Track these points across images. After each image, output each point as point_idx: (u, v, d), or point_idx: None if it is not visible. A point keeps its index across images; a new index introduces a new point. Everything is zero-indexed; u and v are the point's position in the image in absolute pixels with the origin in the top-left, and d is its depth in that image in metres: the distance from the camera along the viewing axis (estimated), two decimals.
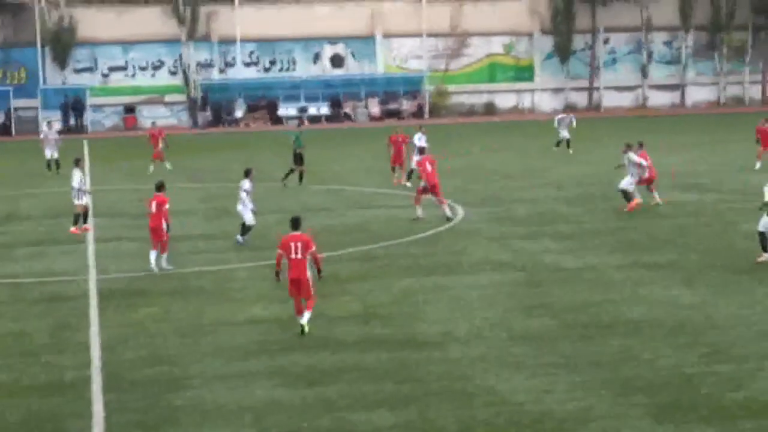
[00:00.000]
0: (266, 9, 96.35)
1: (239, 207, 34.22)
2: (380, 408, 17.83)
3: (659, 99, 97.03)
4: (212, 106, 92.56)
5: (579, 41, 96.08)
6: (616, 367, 19.68)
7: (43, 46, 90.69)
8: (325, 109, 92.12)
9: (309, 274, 23.04)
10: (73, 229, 36.85)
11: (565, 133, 59.55)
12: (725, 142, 62.16)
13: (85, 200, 38.80)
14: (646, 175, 37.76)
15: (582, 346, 21.18)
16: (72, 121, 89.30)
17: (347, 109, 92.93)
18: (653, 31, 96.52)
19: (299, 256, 22.93)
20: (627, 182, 37.42)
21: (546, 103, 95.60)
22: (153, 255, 29.55)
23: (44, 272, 30.23)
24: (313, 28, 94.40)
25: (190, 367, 20.56)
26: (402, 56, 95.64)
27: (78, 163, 39.55)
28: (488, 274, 28.20)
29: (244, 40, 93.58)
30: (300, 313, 22.95)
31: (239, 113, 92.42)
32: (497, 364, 20.10)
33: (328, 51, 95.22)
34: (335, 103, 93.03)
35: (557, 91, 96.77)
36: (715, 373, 19.19)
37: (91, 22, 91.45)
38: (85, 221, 38.07)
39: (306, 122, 74.00)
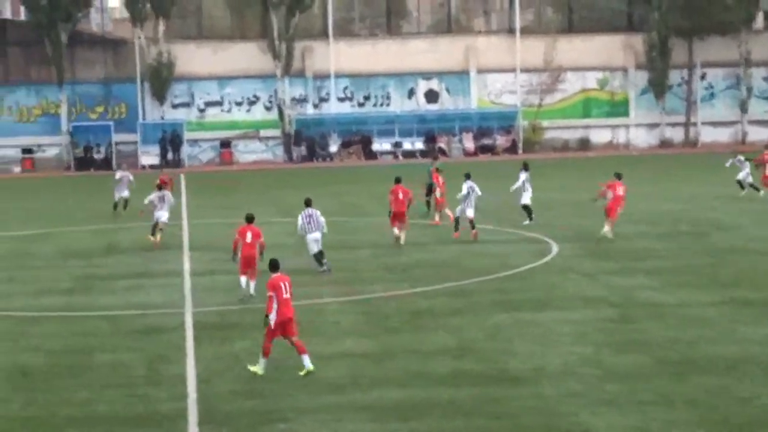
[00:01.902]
0: (360, 44, 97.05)
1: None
2: None
3: (760, 134, 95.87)
4: (306, 140, 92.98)
5: (675, 76, 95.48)
6: (712, 406, 19.39)
7: (142, 82, 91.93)
8: (419, 144, 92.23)
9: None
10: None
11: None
12: None
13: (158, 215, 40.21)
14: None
15: (677, 383, 20.89)
16: (169, 156, 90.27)
17: (441, 144, 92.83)
18: (753, 66, 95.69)
19: (288, 295, 23.12)
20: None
21: (641, 138, 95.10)
22: (243, 280, 30.19)
23: (141, 305, 30.42)
24: (408, 63, 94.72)
25: (282, 400, 20.59)
26: (496, 91, 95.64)
27: (160, 187, 41.55)
28: (580, 310, 27.99)
29: (339, 75, 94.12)
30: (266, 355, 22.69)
31: (333, 148, 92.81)
32: (590, 400, 19.87)
33: (422, 86, 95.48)
34: (429, 138, 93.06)
35: (652, 126, 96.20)
36: None
37: (189, 58, 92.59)
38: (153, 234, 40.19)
39: (439, 156, 73.46)
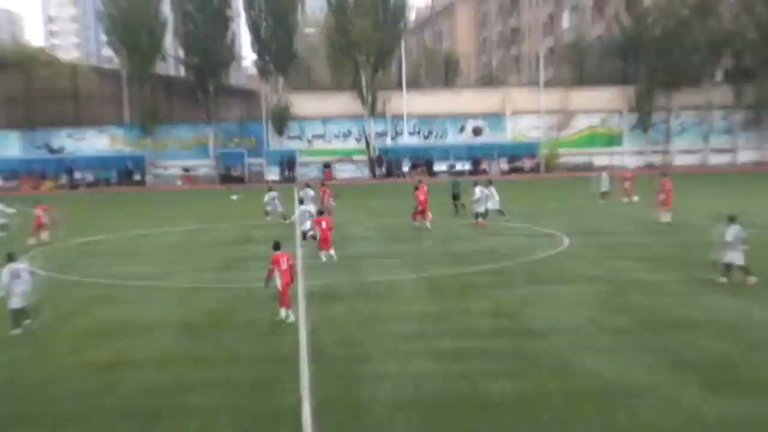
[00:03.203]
0: (426, 94, 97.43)
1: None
2: (504, 378, 17.96)
3: (718, 159, 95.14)
4: (386, 163, 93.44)
5: (657, 117, 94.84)
6: (680, 353, 19.56)
7: (267, 121, 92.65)
8: (467, 166, 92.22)
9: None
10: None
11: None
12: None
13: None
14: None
15: (654, 337, 21.00)
16: (286, 173, 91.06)
17: (484, 166, 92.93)
18: (713, 110, 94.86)
19: (286, 266, 23.81)
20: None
21: (632, 162, 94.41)
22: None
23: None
24: (460, 108, 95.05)
25: (368, 347, 20.86)
26: (524, 128, 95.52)
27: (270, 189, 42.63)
28: (584, 285, 27.96)
29: (410, 116, 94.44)
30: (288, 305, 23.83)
31: (405, 168, 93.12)
32: (590, 349, 20.06)
33: (470, 124, 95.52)
34: (475, 162, 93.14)
35: (640, 153, 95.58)
36: (754, 357, 19.10)
37: (301, 104, 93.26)
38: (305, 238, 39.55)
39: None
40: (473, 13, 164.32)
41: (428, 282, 29.47)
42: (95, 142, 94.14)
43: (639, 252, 34.60)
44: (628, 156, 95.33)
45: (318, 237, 34.88)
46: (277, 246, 24.64)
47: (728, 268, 27.38)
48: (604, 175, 59.26)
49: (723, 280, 27.28)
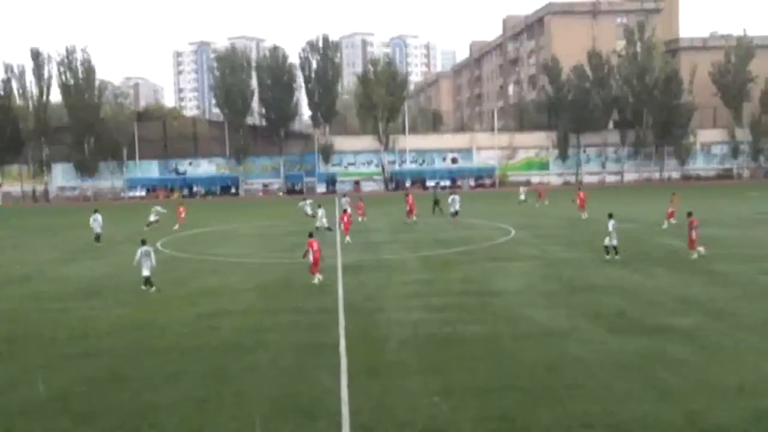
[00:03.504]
0: (420, 136, 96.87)
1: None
2: (473, 325, 17.64)
3: (611, 179, 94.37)
4: (396, 181, 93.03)
5: (571, 151, 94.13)
6: (589, 306, 19.16)
7: (318, 153, 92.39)
8: (448, 183, 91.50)
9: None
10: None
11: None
12: (648, 201, 60.13)
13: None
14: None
15: (573, 297, 20.64)
16: (330, 188, 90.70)
17: (459, 183, 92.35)
18: (609, 146, 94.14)
19: (316, 248, 23.83)
20: None
21: (555, 180, 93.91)
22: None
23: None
24: (443, 145, 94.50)
25: (384, 302, 20.56)
26: (485, 158, 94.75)
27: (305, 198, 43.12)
28: (527, 261, 27.59)
29: (410, 151, 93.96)
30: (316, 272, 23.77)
31: (408, 184, 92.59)
32: (532, 305, 19.69)
33: (449, 156, 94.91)
34: (453, 180, 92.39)
35: (561, 174, 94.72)
36: (642, 310, 18.58)
37: (340, 142, 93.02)
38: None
39: (439, 188, 73.43)
40: (452, 84, 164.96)
41: (422, 259, 29.16)
42: (206, 168, 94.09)
43: (563, 239, 34.16)
44: (553, 176, 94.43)
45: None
46: (311, 234, 25.08)
47: (607, 250, 27.12)
48: (522, 188, 61.77)
49: (607, 257, 26.92)
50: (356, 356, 15.11)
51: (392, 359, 15.04)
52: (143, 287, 23.39)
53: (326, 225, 39.78)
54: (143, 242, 24.29)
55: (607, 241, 27.14)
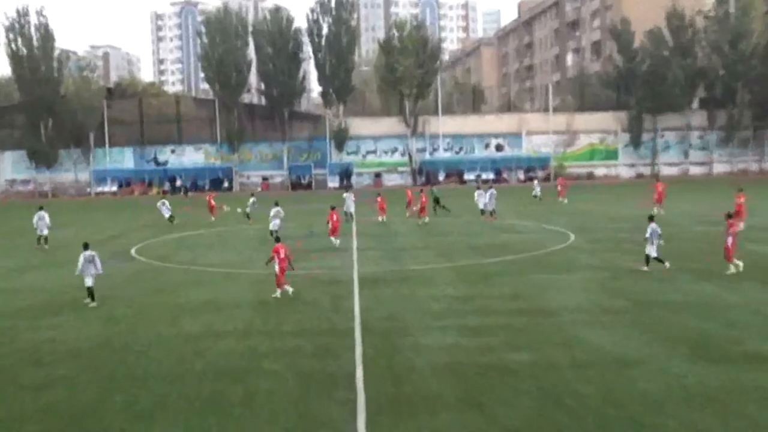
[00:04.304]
0: (457, 118, 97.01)
1: None
2: (520, 350, 17.64)
3: (696, 171, 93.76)
4: (425, 173, 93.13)
5: (645, 136, 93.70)
6: (666, 328, 19.06)
7: (329, 139, 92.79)
8: (491, 175, 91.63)
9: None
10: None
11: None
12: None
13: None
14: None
15: (645, 315, 20.56)
16: (345, 182, 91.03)
17: (505, 175, 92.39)
18: (692, 130, 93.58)
19: (283, 255, 24.24)
20: None
21: (625, 173, 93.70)
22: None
23: (329, 267, 30.71)
24: (484, 129, 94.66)
25: (410, 323, 20.63)
26: (537, 145, 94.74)
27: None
28: (586, 272, 27.50)
29: (444, 136, 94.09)
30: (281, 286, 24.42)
31: (441, 177, 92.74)
32: (592, 326, 19.67)
33: (493, 142, 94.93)
34: (497, 172, 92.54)
35: (632, 166, 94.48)
36: (728, 334, 18.51)
37: (357, 126, 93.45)
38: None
39: (437, 185, 73.60)
40: (495, 54, 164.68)
41: (456, 270, 29.17)
42: (193, 157, 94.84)
43: (628, 246, 33.88)
44: (622, 167, 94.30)
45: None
46: (277, 239, 26.02)
47: (648, 259, 27.49)
48: (536, 182, 66.37)
49: (645, 268, 27.27)
50: (376, 389, 15.19)
51: (420, 393, 15.09)
52: (86, 301, 24.08)
53: (276, 228, 39.83)
54: (86, 246, 24.74)
55: (648, 250, 27.48)
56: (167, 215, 49.81)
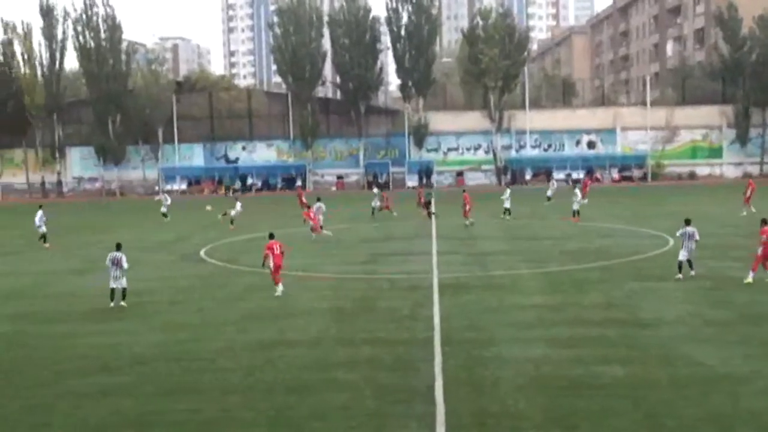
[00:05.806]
0: (545, 112, 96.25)
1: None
2: (614, 364, 17.35)
3: None
4: (511, 172, 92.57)
5: (753, 132, 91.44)
6: None
7: (408, 135, 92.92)
8: (581, 174, 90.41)
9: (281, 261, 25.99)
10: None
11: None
12: None
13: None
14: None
15: (753, 329, 20.05)
16: (425, 181, 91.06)
17: (597, 175, 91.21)
18: None
19: (278, 252, 25.80)
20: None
21: (730, 172, 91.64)
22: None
23: (407, 271, 30.80)
24: (575, 124, 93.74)
25: (493, 333, 20.51)
26: (633, 141, 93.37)
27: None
28: (687, 281, 26.93)
29: (532, 132, 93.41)
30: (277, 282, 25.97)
31: (528, 176, 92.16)
32: (693, 339, 19.28)
33: (584, 138, 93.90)
34: (590, 171, 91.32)
35: (738, 164, 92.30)
36: None
37: (437, 121, 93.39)
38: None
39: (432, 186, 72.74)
40: (588, 43, 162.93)
41: (547, 276, 28.95)
42: (264, 154, 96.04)
43: (737, 253, 33.02)
44: (727, 166, 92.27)
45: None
46: (271, 236, 26.76)
47: (680, 266, 27.46)
48: (553, 182, 65.44)
49: (678, 276, 27.25)
50: (457, 404, 15.10)
51: (504, 409, 14.96)
52: (112, 304, 24.78)
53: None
54: (118, 247, 25.43)
55: (681, 255, 27.52)
56: (164, 210, 54.78)
